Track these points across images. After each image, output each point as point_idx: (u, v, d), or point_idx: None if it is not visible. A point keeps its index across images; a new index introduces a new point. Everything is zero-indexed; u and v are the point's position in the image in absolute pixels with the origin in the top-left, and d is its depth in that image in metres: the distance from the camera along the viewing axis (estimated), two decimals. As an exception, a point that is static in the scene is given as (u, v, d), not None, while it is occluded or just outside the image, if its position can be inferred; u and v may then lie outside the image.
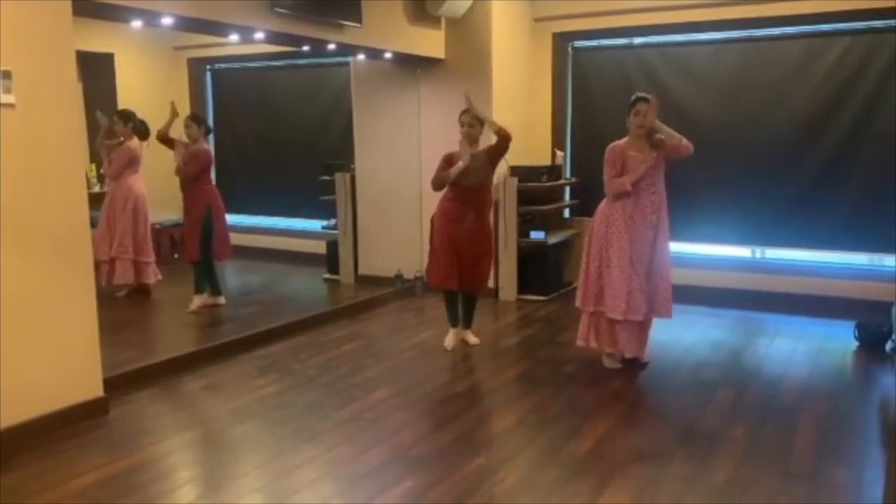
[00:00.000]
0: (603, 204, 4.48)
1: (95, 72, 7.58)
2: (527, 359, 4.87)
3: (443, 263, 4.88)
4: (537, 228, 6.43)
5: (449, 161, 4.77)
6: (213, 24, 4.50)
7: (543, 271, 6.48)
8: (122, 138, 6.27)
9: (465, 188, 4.77)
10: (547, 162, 6.69)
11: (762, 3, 5.86)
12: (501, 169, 6.37)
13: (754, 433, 3.62)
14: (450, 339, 5.04)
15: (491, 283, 6.40)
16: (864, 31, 5.75)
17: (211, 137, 6.46)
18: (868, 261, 6.08)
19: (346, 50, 5.77)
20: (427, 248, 5.12)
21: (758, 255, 6.48)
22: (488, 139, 4.88)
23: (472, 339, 5.12)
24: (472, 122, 4.75)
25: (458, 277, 4.86)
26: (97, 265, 5.80)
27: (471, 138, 4.74)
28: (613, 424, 3.75)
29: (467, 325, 5.15)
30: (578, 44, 6.80)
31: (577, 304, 4.57)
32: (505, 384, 4.45)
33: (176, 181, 5.89)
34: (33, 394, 3.54)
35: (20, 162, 3.43)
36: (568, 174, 6.91)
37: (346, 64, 7.06)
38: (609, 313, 4.39)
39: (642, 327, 4.49)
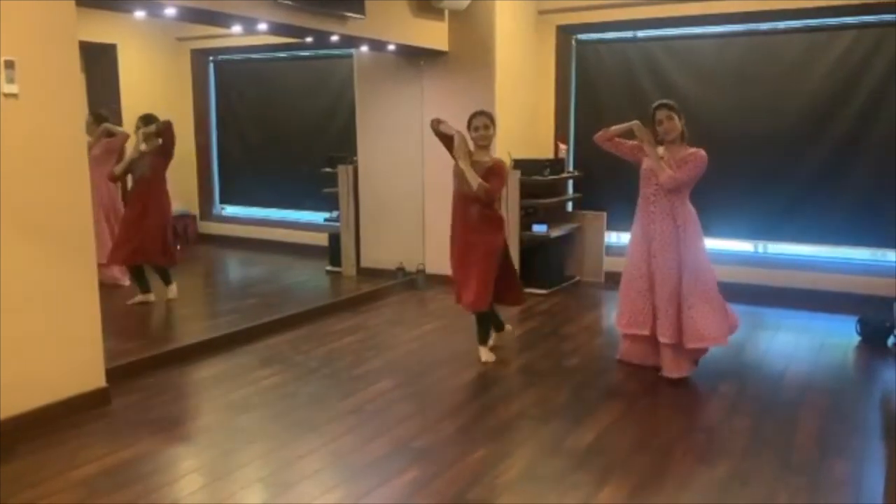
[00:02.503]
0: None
1: (98, 62, 7.57)
2: (529, 351, 4.88)
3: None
4: (540, 222, 6.42)
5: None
6: (217, 15, 4.49)
7: (546, 265, 6.47)
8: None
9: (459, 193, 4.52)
10: (550, 155, 6.69)
11: (766, -4, 5.86)
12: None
13: (756, 427, 3.63)
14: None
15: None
16: (868, 25, 5.73)
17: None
18: (871, 256, 6.07)
19: (350, 42, 5.76)
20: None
21: (760, 249, 6.48)
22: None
23: (484, 354, 4.63)
24: (489, 123, 4.42)
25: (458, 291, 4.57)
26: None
27: (486, 140, 4.43)
28: (615, 417, 3.76)
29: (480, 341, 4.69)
30: (582, 37, 6.79)
31: None
32: (507, 376, 4.46)
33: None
34: (36, 384, 3.55)
35: (23, 151, 3.43)
36: (571, 167, 6.89)
37: (350, 56, 7.04)
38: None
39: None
